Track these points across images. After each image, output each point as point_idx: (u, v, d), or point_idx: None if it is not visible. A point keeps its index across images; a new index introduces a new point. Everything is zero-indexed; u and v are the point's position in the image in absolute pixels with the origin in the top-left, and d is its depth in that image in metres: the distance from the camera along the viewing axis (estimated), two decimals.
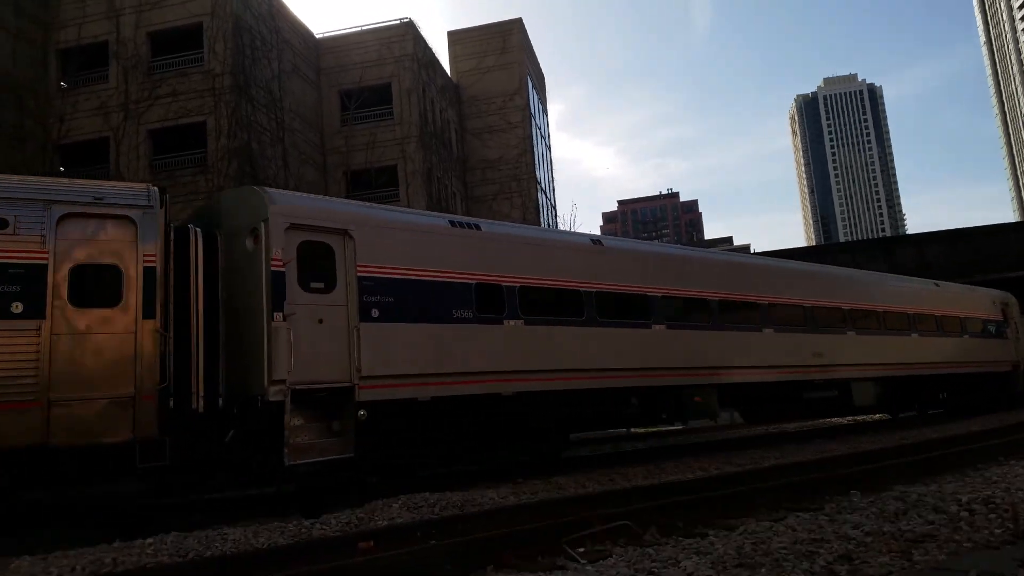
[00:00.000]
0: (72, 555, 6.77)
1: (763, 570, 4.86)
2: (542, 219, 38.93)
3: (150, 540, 7.20)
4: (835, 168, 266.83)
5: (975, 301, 22.17)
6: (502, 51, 39.07)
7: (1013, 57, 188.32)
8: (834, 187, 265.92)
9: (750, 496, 7.70)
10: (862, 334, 17.48)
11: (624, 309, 12.74)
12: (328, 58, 32.35)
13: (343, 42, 32.63)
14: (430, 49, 34.81)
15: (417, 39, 32.81)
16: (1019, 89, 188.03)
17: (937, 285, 21.36)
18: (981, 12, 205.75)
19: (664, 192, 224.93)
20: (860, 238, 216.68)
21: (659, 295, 13.25)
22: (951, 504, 6.75)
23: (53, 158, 25.71)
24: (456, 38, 40.01)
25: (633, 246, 15.27)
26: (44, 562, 6.52)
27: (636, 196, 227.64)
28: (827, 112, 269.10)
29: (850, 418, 21.57)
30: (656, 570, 5.08)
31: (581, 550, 5.89)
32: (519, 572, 5.38)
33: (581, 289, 12.19)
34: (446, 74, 37.94)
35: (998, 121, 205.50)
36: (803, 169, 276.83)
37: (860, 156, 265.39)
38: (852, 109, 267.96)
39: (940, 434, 14.73)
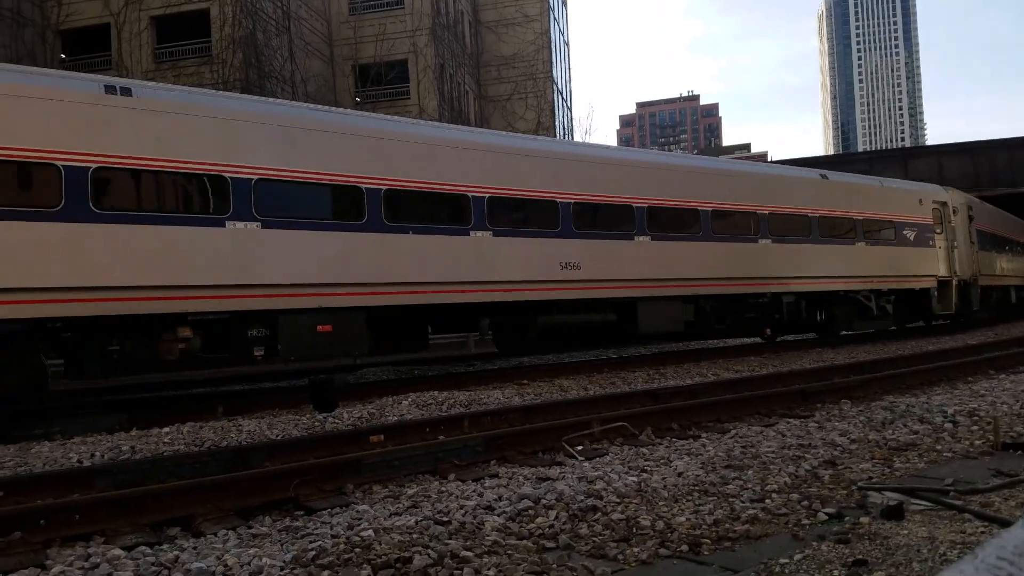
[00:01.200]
0: (91, 442, 7.18)
1: (750, 472, 5.17)
2: (557, 121, 38.09)
3: (167, 429, 7.61)
4: (860, 73, 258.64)
5: (886, 199, 18.26)
6: None
7: None
8: (857, 94, 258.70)
9: (743, 402, 8.03)
10: (695, 240, 14.08)
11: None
12: None
13: None
14: None
15: None
16: None
17: (824, 177, 17.33)
18: None
19: (684, 95, 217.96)
20: (879, 148, 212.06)
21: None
22: (936, 415, 7.03)
23: (54, 45, 25.14)
24: None
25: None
26: (63, 448, 6.92)
27: (656, 99, 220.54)
28: (856, 13, 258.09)
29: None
30: (649, 468, 5.41)
31: (579, 448, 6.24)
32: (521, 467, 5.73)
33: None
34: None
35: None
36: (827, 74, 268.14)
37: (886, 62, 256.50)
38: (882, 10, 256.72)
39: (936, 346, 15.07)
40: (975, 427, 6.54)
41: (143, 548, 4.03)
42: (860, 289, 17.32)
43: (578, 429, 6.62)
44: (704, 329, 14.93)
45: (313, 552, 3.69)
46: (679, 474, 5.17)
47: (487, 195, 11.30)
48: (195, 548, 4.04)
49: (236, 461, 5.77)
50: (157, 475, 5.43)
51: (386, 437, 6.58)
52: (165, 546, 4.10)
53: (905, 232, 18.42)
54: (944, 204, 19.94)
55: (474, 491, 4.94)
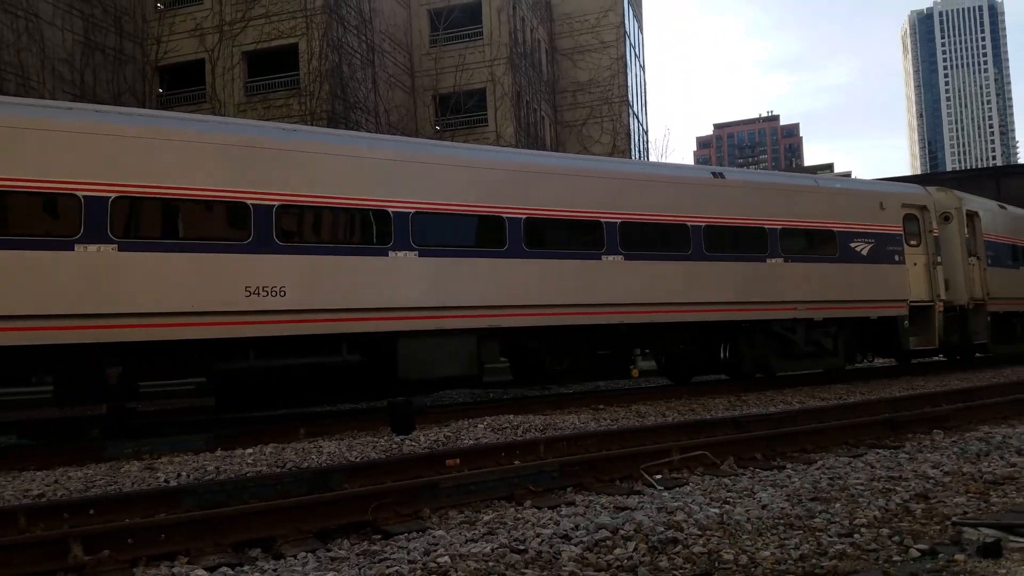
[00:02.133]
0: (177, 462, 7.47)
1: (837, 505, 4.97)
2: (633, 145, 37.98)
3: (250, 450, 7.83)
4: (947, 91, 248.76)
5: (823, 203, 14.25)
6: None
7: None
8: (944, 112, 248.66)
9: (830, 431, 7.73)
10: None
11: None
12: None
13: None
14: None
15: None
16: None
17: (719, 176, 13.75)
18: None
19: (764, 115, 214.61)
20: (968, 167, 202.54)
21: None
22: None
23: (152, 80, 26.76)
24: None
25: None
26: (151, 469, 7.20)
27: (733, 120, 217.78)
28: (942, 30, 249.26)
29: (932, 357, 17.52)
30: (731, 499, 5.26)
31: (658, 476, 6.13)
32: (597, 495, 5.67)
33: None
34: None
35: None
36: (912, 91, 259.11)
37: (975, 79, 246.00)
38: (969, 27, 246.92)
39: None
40: None
41: (224, 568, 4.14)
42: (776, 318, 13.31)
43: (657, 457, 6.50)
44: (530, 372, 12.24)
45: None
46: (763, 506, 5.01)
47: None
48: (275, 570, 4.13)
49: (316, 483, 5.90)
50: (240, 496, 5.56)
51: (462, 461, 6.63)
52: (246, 567, 4.19)
53: (854, 244, 14.30)
54: (923, 209, 15.55)
55: (550, 519, 4.91)
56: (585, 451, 7.06)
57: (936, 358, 17.73)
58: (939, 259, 15.52)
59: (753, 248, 13.26)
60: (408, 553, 4.22)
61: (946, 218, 16.20)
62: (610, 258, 11.70)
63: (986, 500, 5.07)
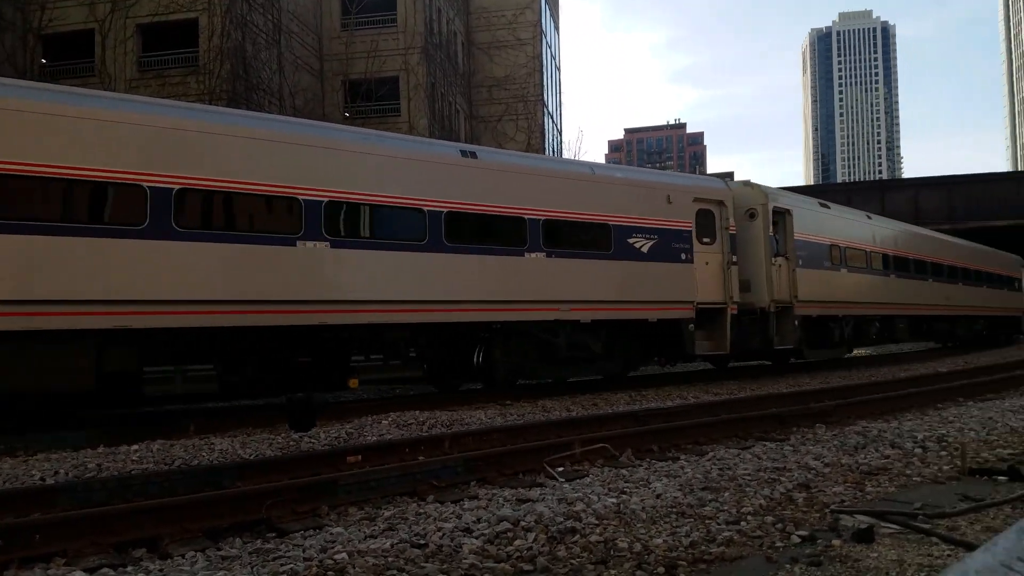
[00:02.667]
0: (55, 458, 7.02)
1: (726, 494, 5.19)
2: (547, 144, 38.35)
3: (135, 447, 7.44)
4: (841, 107, 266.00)
5: (595, 193, 12.81)
6: None
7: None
8: (838, 127, 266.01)
9: (722, 425, 8.08)
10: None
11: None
12: None
13: None
14: None
15: None
16: None
17: (469, 155, 11.70)
18: None
19: (671, 123, 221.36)
20: (857, 179, 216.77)
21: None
22: (907, 441, 7.13)
23: (34, 50, 24.93)
24: None
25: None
26: (26, 464, 6.75)
27: (644, 126, 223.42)
28: (839, 48, 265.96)
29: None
30: (628, 489, 5.41)
31: (560, 469, 6.23)
32: (501, 488, 5.71)
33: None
34: None
35: (1004, 69, 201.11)
36: (809, 106, 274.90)
37: (867, 96, 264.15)
38: (864, 47, 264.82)
39: (908, 373, 15.24)
40: (943, 453, 6.66)
41: (106, 570, 3.96)
42: (535, 320, 11.91)
43: (560, 451, 6.61)
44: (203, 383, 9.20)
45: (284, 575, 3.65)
46: (657, 496, 5.18)
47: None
48: (161, 570, 3.97)
49: (207, 480, 5.67)
50: (123, 495, 5.29)
51: (364, 458, 6.51)
52: (130, 568, 4.01)
53: (633, 240, 13.02)
54: (719, 204, 14.27)
55: (452, 513, 4.91)
56: (491, 446, 7.10)
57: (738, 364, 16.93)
58: (734, 258, 14.26)
59: (509, 240, 11.67)
60: (304, 551, 4.13)
61: (751, 215, 15.05)
62: (311, 244, 9.71)
63: (862, 489, 5.42)
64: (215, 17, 24.26)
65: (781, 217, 15.60)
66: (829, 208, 18.00)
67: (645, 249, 13.14)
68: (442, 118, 32.43)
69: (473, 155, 11.86)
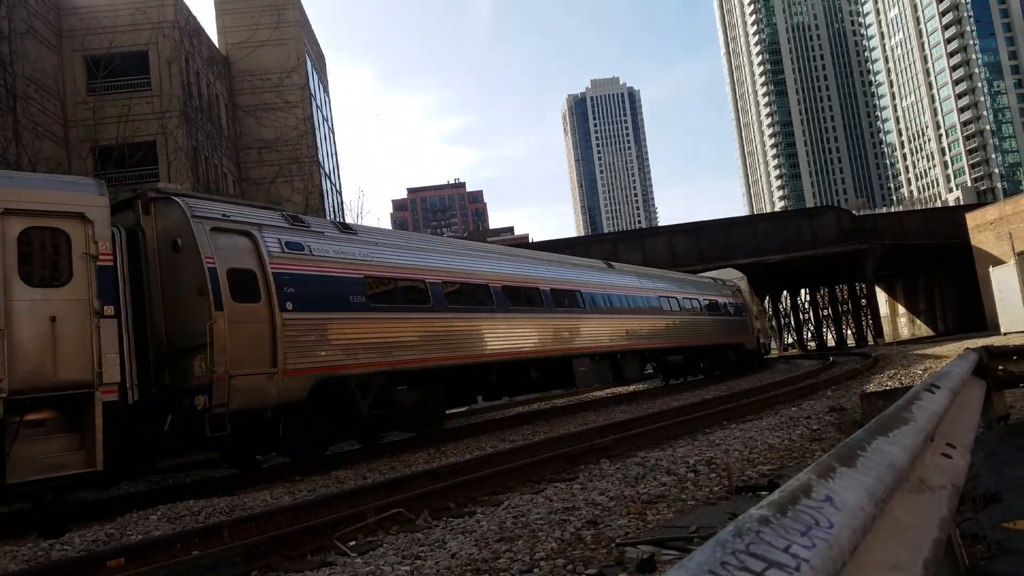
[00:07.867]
0: None
1: (520, 542, 5.24)
2: (327, 205, 37.70)
3: None
4: (600, 165, 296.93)
5: None
6: (276, 25, 37.05)
7: (746, 69, 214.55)
8: (599, 182, 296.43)
9: (516, 471, 8.20)
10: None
11: None
12: (71, 20, 28.76)
13: (90, 3, 29.18)
14: (194, 17, 32.26)
15: (178, 5, 30.22)
16: (751, 97, 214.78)
17: None
18: (722, 25, 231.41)
19: (451, 182, 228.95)
20: (620, 229, 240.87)
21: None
22: (681, 466, 7.70)
23: None
24: (225, 8, 37.34)
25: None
26: None
27: (426, 185, 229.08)
28: (594, 112, 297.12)
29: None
30: (423, 554, 5.27)
31: (352, 543, 5.93)
32: (287, 574, 5.31)
33: None
34: (213, 45, 35.32)
35: (734, 125, 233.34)
36: (573, 165, 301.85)
37: (621, 155, 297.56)
38: (615, 111, 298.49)
39: (679, 402, 16.64)
40: (713, 474, 7.24)
41: None
42: None
43: (352, 522, 6.30)
44: None
45: None
46: (452, 555, 5.09)
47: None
48: None
49: None
50: None
51: (127, 561, 5.76)
52: None
53: None
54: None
55: None
56: (276, 528, 6.60)
57: None
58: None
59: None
60: None
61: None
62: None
63: (644, 519, 5.71)
64: None
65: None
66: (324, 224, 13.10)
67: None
68: (207, 181, 30.79)
69: None
